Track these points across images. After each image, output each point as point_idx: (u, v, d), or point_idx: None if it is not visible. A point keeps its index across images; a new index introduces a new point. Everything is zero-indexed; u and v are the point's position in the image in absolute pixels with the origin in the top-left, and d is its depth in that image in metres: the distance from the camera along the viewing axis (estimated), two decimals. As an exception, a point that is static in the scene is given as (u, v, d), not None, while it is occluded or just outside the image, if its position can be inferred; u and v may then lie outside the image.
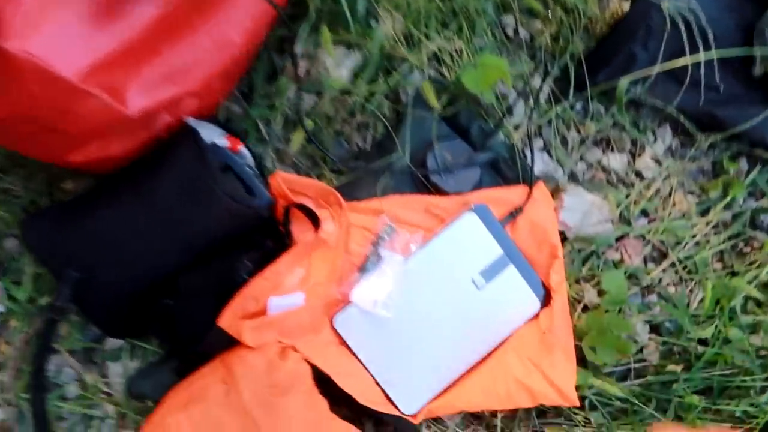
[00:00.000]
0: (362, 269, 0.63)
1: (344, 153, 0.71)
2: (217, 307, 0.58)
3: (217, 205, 0.56)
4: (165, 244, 0.58)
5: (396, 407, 0.64)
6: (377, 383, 0.64)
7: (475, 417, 0.67)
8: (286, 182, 0.63)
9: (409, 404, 0.65)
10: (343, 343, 0.64)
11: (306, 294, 0.60)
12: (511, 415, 0.66)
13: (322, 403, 0.57)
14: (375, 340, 0.64)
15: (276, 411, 0.53)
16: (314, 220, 0.63)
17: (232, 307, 0.57)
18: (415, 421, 0.64)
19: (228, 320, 0.56)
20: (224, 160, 0.60)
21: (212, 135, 0.61)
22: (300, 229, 0.65)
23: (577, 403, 0.61)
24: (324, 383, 0.58)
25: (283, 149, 0.71)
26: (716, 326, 0.65)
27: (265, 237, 0.63)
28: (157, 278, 0.60)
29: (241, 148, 0.64)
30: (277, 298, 0.58)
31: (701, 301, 0.68)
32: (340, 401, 0.60)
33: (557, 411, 0.65)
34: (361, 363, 0.64)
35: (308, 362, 0.58)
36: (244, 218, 0.59)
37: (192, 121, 0.61)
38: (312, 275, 0.61)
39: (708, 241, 0.70)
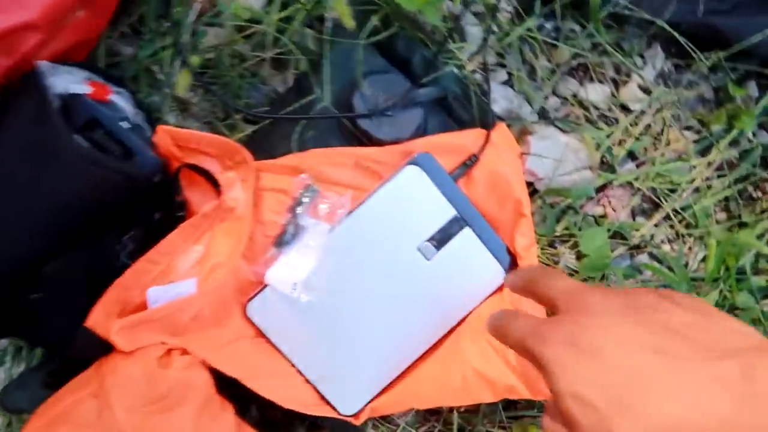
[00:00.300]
0: (279, 243, 0.51)
1: (262, 98, 0.58)
2: (90, 301, 0.45)
3: (70, 172, 0.43)
4: (14, 223, 0.45)
5: (333, 408, 0.53)
6: (307, 381, 0.52)
7: (431, 412, 0.55)
8: (174, 138, 0.49)
9: (348, 404, 0.53)
10: (261, 335, 0.52)
11: (204, 278, 0.47)
12: (474, 409, 0.54)
13: (225, 417, 0.45)
14: (300, 329, 0.52)
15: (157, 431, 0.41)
16: (215, 185, 0.50)
17: (103, 301, 0.45)
18: (357, 422, 0.53)
19: (97, 318, 0.44)
20: (88, 113, 0.47)
21: (70, 82, 0.47)
22: (202, 197, 0.52)
23: (550, 396, 0.49)
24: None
25: (187, 98, 0.57)
26: (721, 291, 0.53)
27: (153, 209, 0.50)
28: (14, 267, 0.47)
29: (114, 97, 0.50)
30: (158, 288, 0.45)
31: (703, 261, 0.55)
32: (267, 403, 0.49)
33: (528, 402, 0.54)
34: (286, 358, 0.52)
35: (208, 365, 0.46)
36: (115, 187, 0.45)
37: (44, 65, 0.47)
38: (213, 254, 0.48)
39: (710, 187, 0.57)
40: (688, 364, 0.26)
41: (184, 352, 0.45)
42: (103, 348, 0.45)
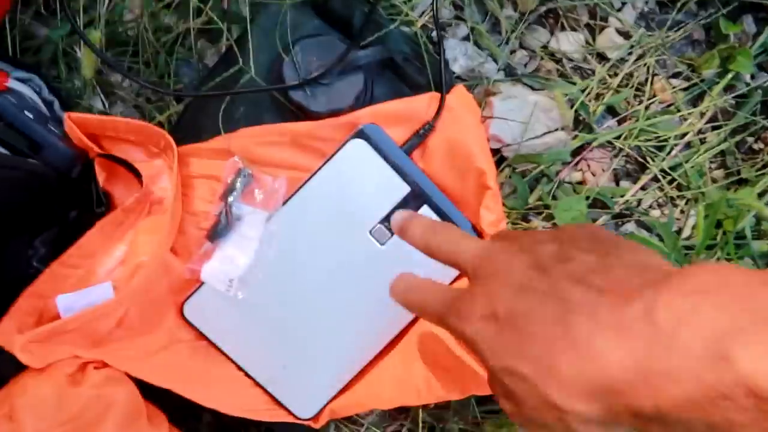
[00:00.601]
0: (213, 235, 0.45)
1: (194, 75, 0.52)
2: None
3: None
4: None
5: (288, 412, 0.48)
6: (257, 384, 0.48)
7: (398, 410, 0.50)
8: (85, 126, 0.44)
9: (305, 406, 0.48)
10: (201, 337, 0.47)
11: (127, 280, 0.43)
12: (444, 404, 0.49)
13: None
14: (245, 328, 0.47)
15: (72, 458, 0.37)
16: (138, 175, 0.45)
17: (12, 312, 0.40)
18: (317, 425, 0.48)
19: (7, 332, 0.39)
20: (-17, 103, 0.42)
21: (-40, 69, 0.42)
22: (126, 191, 0.47)
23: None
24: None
25: (112, 80, 0.52)
26: (718, 259, 0.47)
27: (68, 207, 0.45)
28: None
29: (16, 84, 0.45)
30: (68, 295, 0.40)
31: (696, 227, 0.49)
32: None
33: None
34: (231, 361, 0.47)
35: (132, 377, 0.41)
36: (16, 186, 0.41)
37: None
38: (137, 253, 0.43)
39: (703, 141, 0.50)
40: (596, 316, 0.25)
41: (104, 365, 0.40)
42: (15, 365, 0.40)
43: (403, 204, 0.47)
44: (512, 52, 0.51)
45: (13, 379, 0.41)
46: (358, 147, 0.45)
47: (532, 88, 0.50)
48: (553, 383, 0.26)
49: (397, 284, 0.36)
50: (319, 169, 0.46)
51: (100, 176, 0.45)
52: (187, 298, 0.46)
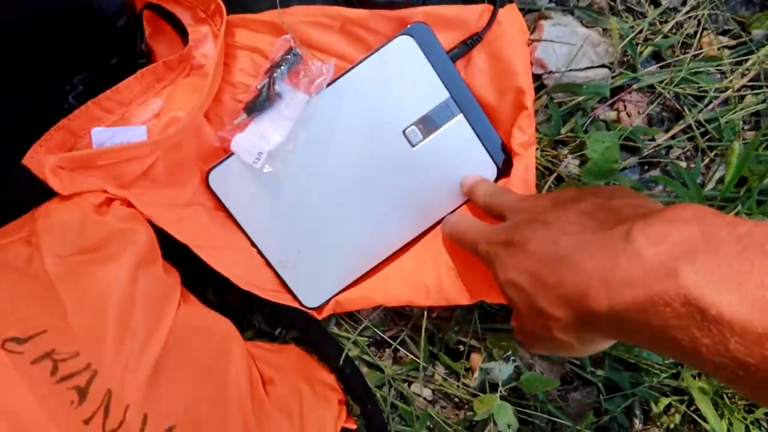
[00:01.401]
0: (250, 108, 0.46)
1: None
2: (29, 142, 0.41)
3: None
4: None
5: (294, 297, 0.49)
6: (268, 264, 0.48)
7: (400, 316, 0.51)
8: (141, -25, 0.44)
9: (312, 294, 0.49)
10: (221, 208, 0.47)
11: (160, 131, 0.43)
12: (447, 314, 0.50)
13: (168, 282, 0.41)
14: (266, 207, 0.47)
15: (88, 284, 0.37)
16: (182, 34, 0.45)
17: (44, 140, 0.40)
18: (319, 316, 0.48)
19: (36, 158, 0.40)
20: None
21: None
22: (168, 49, 0.47)
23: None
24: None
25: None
26: (738, 213, 0.47)
27: (110, 53, 0.45)
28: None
29: None
30: (104, 129, 0.41)
31: (721, 180, 0.49)
32: (225, 285, 0.45)
33: (507, 314, 0.49)
34: (247, 236, 0.48)
35: (153, 224, 0.41)
36: (63, 17, 0.40)
37: None
38: (172, 108, 0.44)
39: (741, 99, 0.50)
40: (587, 237, 0.29)
41: (129, 204, 0.40)
42: (41, 192, 0.40)
43: (440, 109, 0.47)
44: (568, -16, 0.51)
45: (35, 208, 0.41)
46: (406, 44, 0.46)
47: (581, 23, 0.50)
48: (540, 291, 0.31)
49: (449, 219, 0.45)
50: (365, 59, 0.46)
51: (146, 31, 0.45)
52: (214, 166, 0.46)
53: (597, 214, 0.31)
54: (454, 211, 0.48)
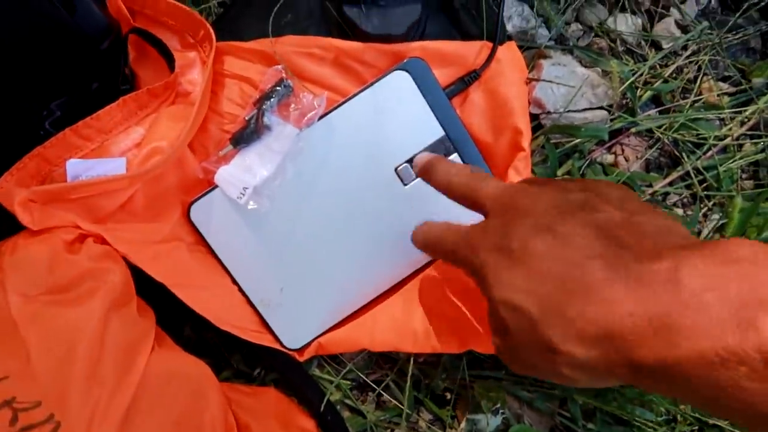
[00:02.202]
0: (237, 140, 0.44)
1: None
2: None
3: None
4: None
5: (275, 338, 0.47)
6: (249, 303, 0.46)
7: (385, 360, 0.49)
8: (127, -2, 0.42)
9: (294, 336, 0.47)
10: (202, 242, 0.45)
11: (140, 163, 0.41)
12: (434, 360, 0.48)
13: (142, 324, 0.38)
14: (249, 243, 0.45)
15: (54, 327, 0.34)
16: (169, 59, 0.43)
17: (16, 169, 0.38)
18: (301, 358, 0.46)
19: (4, 186, 0.37)
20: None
21: None
22: (153, 75, 0.45)
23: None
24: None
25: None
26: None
27: (91, 77, 0.42)
28: None
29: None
30: (80, 161, 0.38)
31: (718, 229, 0.48)
32: (203, 324, 0.42)
33: (496, 362, 0.47)
34: (228, 274, 0.46)
35: (128, 261, 0.39)
36: (43, 38, 0.38)
37: None
38: (155, 138, 0.41)
39: (740, 148, 0.49)
40: (615, 266, 0.24)
41: (103, 241, 0.38)
42: (9, 225, 0.38)
43: (435, 147, 0.45)
44: (568, 23, 0.50)
45: (3, 241, 0.39)
46: (402, 79, 0.44)
47: (581, 63, 0.49)
48: (556, 323, 0.25)
49: (418, 229, 0.37)
50: (358, 93, 0.44)
51: (130, 55, 0.43)
52: (196, 199, 0.44)
53: (619, 231, 0.26)
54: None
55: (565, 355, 0.25)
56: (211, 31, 0.42)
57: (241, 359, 0.48)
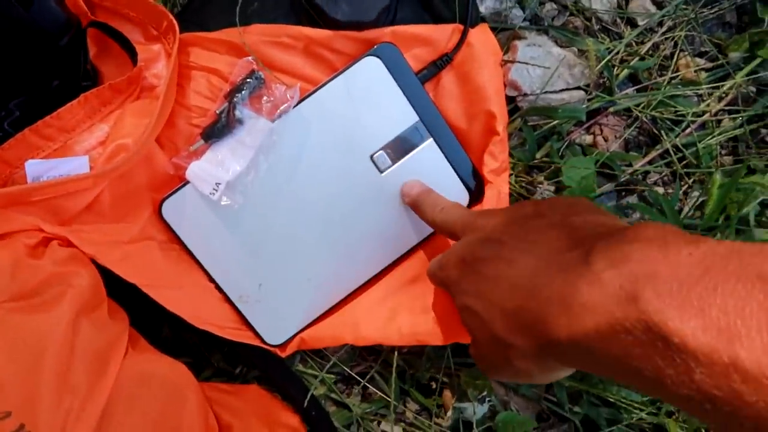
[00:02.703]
0: (208, 134, 0.42)
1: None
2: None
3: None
4: None
5: (256, 334, 0.46)
6: (227, 300, 0.45)
7: (369, 351, 0.48)
8: (84, -10, 0.40)
9: (275, 331, 0.46)
10: (175, 240, 0.44)
11: (105, 161, 0.39)
12: (418, 350, 0.47)
13: (114, 328, 0.37)
14: (224, 239, 0.44)
15: (20, 335, 0.33)
16: (131, 53, 0.42)
17: (-28, 174, 0.36)
18: (283, 354, 0.45)
19: (-37, 193, 0.36)
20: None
21: None
22: (116, 70, 0.43)
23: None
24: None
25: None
26: (717, 242, 0.46)
27: (51, 75, 0.41)
28: None
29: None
30: (40, 161, 0.37)
31: (699, 207, 0.48)
32: (182, 324, 0.41)
33: (482, 349, 0.46)
34: (204, 271, 0.44)
35: (97, 263, 0.38)
36: (-2, 35, 0.37)
37: None
38: (119, 135, 0.40)
39: (719, 124, 0.49)
40: (545, 259, 0.27)
41: (69, 244, 0.37)
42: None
43: (409, 133, 0.44)
44: (541, 3, 0.49)
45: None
46: (373, 65, 0.43)
47: (557, 43, 0.48)
48: (497, 318, 0.29)
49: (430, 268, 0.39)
50: (329, 81, 0.43)
51: (91, 50, 0.42)
52: (168, 196, 0.43)
53: (555, 232, 0.29)
54: (425, 240, 0.46)
55: (512, 346, 0.28)
56: (174, 21, 0.41)
57: (222, 357, 0.47)
